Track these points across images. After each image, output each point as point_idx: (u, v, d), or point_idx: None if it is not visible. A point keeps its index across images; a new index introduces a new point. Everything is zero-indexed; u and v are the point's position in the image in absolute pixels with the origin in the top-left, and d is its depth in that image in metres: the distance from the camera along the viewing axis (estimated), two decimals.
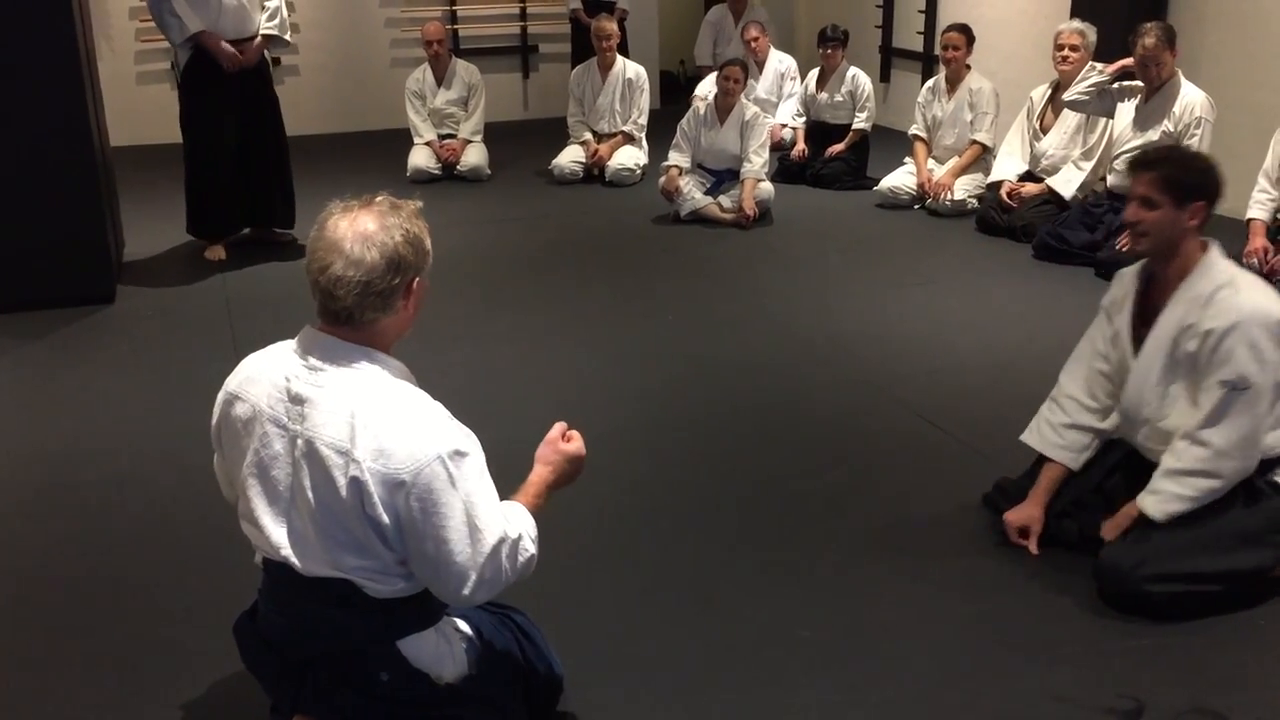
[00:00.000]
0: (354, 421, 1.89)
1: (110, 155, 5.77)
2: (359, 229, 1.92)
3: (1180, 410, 2.80)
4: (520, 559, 2.01)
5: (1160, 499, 2.73)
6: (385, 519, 1.89)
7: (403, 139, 7.77)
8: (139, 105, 8.65)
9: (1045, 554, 2.98)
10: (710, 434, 3.80)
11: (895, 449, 3.66)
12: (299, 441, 1.93)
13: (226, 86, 5.60)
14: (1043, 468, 3.06)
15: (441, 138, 7.65)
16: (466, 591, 1.94)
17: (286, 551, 1.98)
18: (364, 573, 1.96)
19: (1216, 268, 2.77)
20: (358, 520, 1.91)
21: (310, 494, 1.93)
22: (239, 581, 2.52)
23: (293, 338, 2.05)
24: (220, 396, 2.09)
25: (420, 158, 7.54)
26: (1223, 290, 2.72)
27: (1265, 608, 2.73)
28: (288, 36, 5.88)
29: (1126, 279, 2.98)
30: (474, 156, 7.57)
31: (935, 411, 3.90)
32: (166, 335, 4.80)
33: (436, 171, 7.53)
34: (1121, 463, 3.01)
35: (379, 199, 1.98)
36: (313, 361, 1.96)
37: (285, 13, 5.84)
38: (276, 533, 1.98)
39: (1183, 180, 2.75)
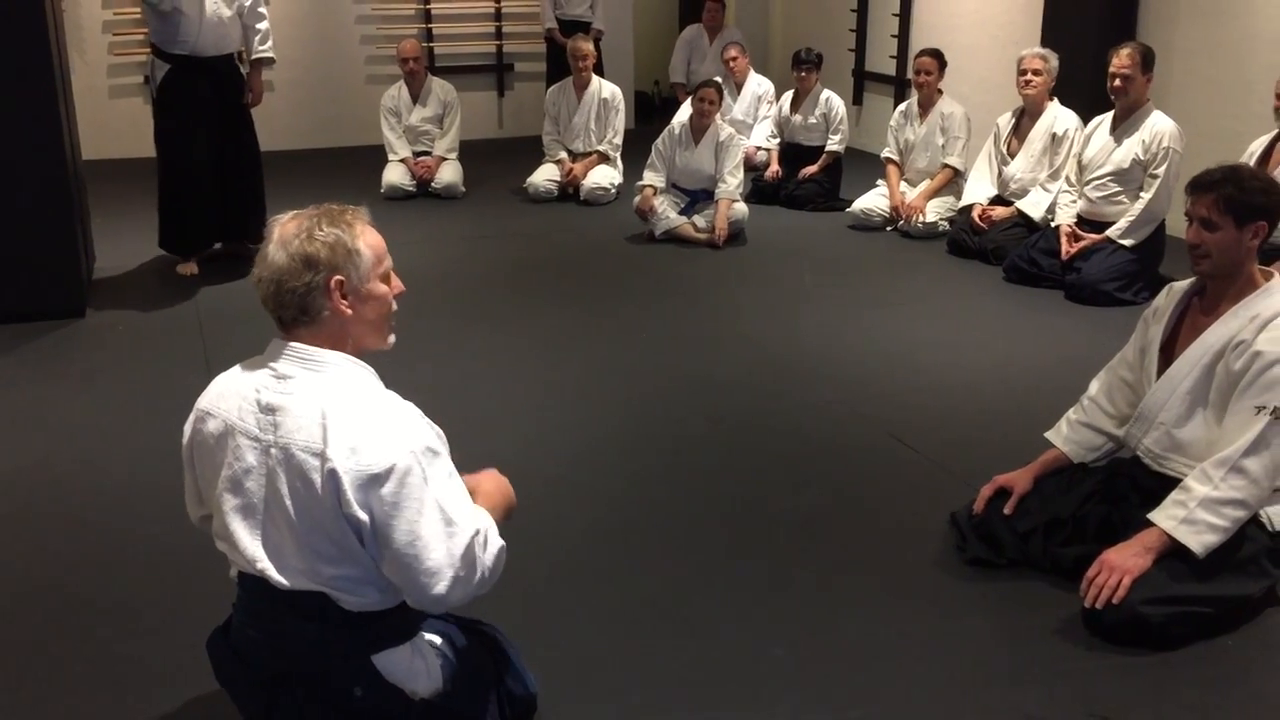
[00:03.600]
0: (325, 422, 1.90)
1: (82, 169, 5.74)
2: (281, 233, 1.98)
3: (1198, 423, 2.82)
4: (492, 551, 2.00)
5: (1197, 530, 2.67)
6: (362, 515, 1.89)
7: (378, 156, 7.76)
8: (111, 119, 8.60)
9: (1013, 574, 3.01)
10: (683, 452, 3.81)
11: (867, 468, 3.68)
12: (273, 451, 1.94)
13: (202, 102, 5.59)
14: (1048, 450, 3.14)
15: (416, 155, 7.66)
16: (442, 589, 1.93)
17: (263, 565, 1.97)
18: (341, 582, 1.96)
19: (1279, 295, 2.78)
20: (336, 523, 1.91)
21: (288, 501, 1.93)
22: (212, 597, 2.50)
23: (264, 352, 2.06)
24: (191, 416, 2.10)
25: (395, 174, 7.54)
26: None
27: (1236, 633, 2.75)
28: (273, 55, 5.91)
29: (1175, 292, 3.00)
30: (449, 174, 7.58)
31: (906, 431, 3.92)
32: (138, 350, 4.76)
33: (411, 188, 7.53)
34: (1098, 490, 3.04)
35: (315, 208, 2.02)
36: (280, 370, 1.99)
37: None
38: (251, 546, 1.98)
39: (1243, 200, 2.75)
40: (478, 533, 1.97)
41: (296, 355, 1.99)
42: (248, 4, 5.70)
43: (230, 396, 2.02)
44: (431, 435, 1.98)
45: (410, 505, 1.90)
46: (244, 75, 5.85)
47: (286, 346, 2.00)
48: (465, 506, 1.98)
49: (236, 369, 2.08)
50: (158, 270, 5.85)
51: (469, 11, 9.61)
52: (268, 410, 1.96)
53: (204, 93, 5.58)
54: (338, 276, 1.96)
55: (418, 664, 2.10)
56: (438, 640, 2.18)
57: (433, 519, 1.91)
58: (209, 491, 2.06)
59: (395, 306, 2.09)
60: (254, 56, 5.82)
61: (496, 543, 2.02)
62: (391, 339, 2.11)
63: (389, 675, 2.04)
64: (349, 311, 1.99)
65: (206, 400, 2.07)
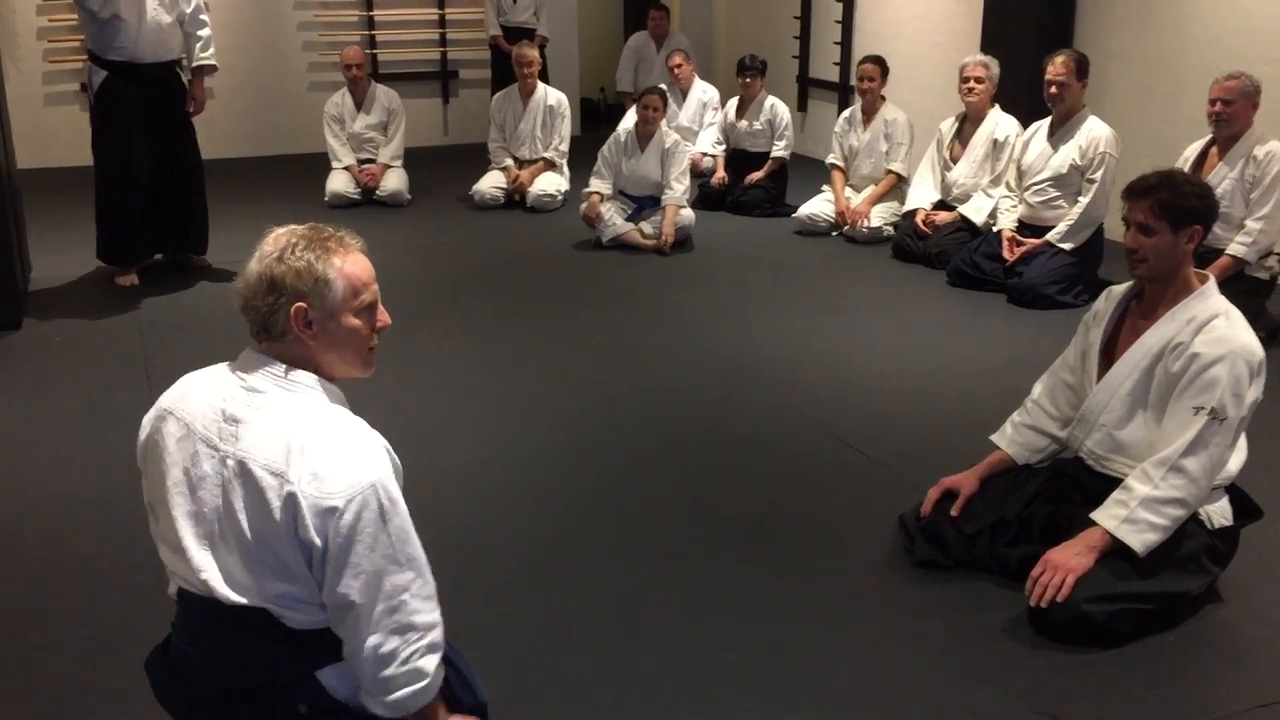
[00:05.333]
0: (290, 444, 1.87)
1: (17, 178, 5.62)
2: (261, 247, 1.96)
3: (1138, 424, 2.87)
4: (433, 651, 1.96)
5: (1138, 529, 2.72)
6: (317, 541, 1.86)
7: (321, 163, 7.70)
8: (47, 127, 8.44)
9: (961, 575, 3.04)
10: (633, 459, 3.81)
11: (816, 472, 3.71)
12: (230, 462, 1.90)
13: (141, 111, 5.50)
14: (993, 451, 3.18)
15: (361, 162, 7.60)
16: (374, 637, 1.89)
17: (208, 575, 1.93)
18: (287, 600, 1.93)
19: (1214, 297, 2.83)
20: (289, 543, 1.88)
21: (241, 516, 1.89)
22: (152, 617, 2.46)
23: (209, 364, 2.03)
24: (151, 413, 2.04)
25: (339, 183, 7.48)
26: (1219, 319, 2.77)
27: (1178, 629, 2.80)
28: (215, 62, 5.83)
29: (1114, 295, 3.04)
30: (394, 181, 7.53)
31: (854, 435, 3.96)
32: (75, 363, 4.67)
33: (356, 196, 7.48)
34: (1042, 491, 3.08)
35: (313, 226, 1.99)
36: (250, 382, 1.95)
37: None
38: (199, 555, 1.94)
39: (1178, 205, 2.79)
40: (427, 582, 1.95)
41: (269, 371, 1.95)
42: (189, 11, 5.62)
43: (194, 399, 1.98)
44: (392, 473, 1.94)
45: (361, 538, 1.86)
46: (185, 83, 5.76)
47: (259, 359, 1.96)
48: (419, 549, 1.94)
49: (206, 372, 2.03)
50: (96, 281, 5.75)
51: (412, 18, 9.56)
52: (231, 420, 1.92)
53: (143, 100, 5.50)
54: (299, 304, 1.91)
55: None
56: None
57: (384, 554, 1.88)
58: (157, 493, 2.01)
59: (375, 341, 2.04)
60: (195, 64, 5.75)
61: (436, 656, 1.97)
62: (369, 371, 2.05)
63: (334, 691, 2.01)
64: (311, 341, 1.94)
65: (169, 400, 2.02)
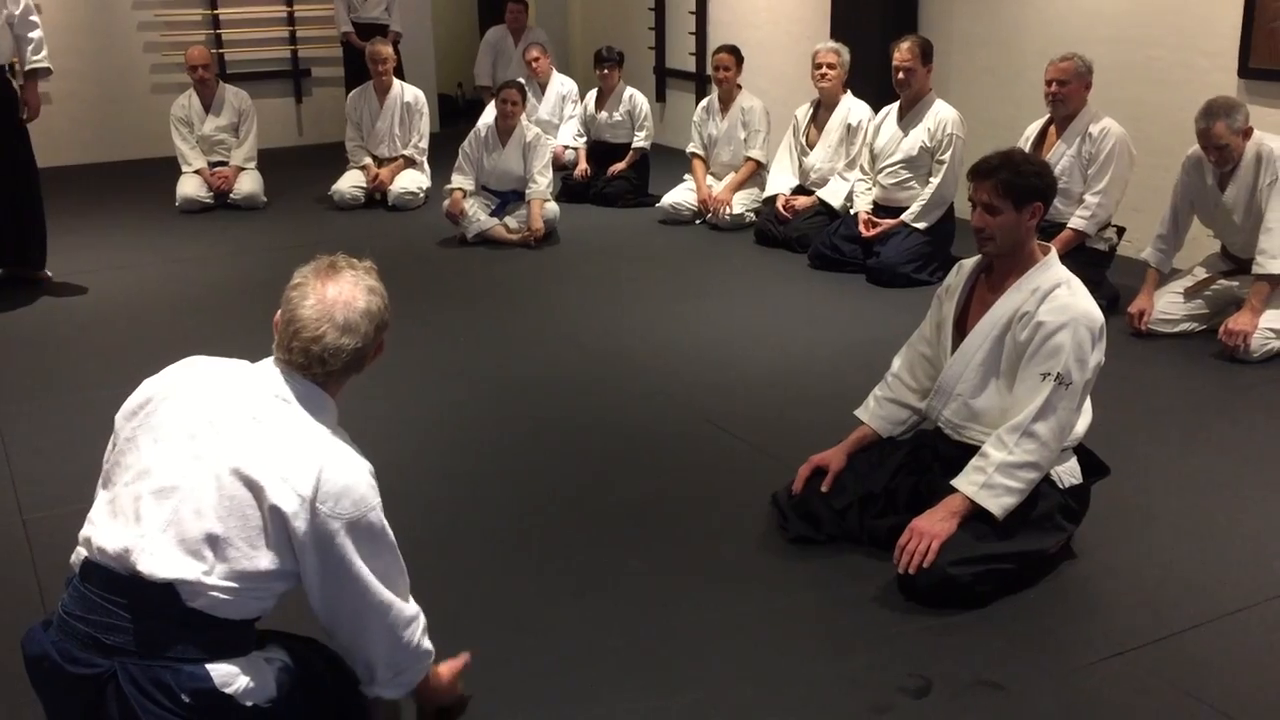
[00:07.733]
0: (307, 459, 1.98)
1: None
2: (347, 299, 2.09)
3: (991, 392, 2.98)
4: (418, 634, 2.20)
5: (996, 493, 2.83)
6: (311, 550, 1.98)
7: (171, 168, 7.45)
8: None
9: (834, 549, 3.12)
10: (508, 453, 3.80)
11: (690, 456, 3.76)
12: (236, 456, 1.98)
13: None
14: (859, 427, 3.27)
15: (213, 165, 7.38)
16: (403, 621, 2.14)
17: (141, 548, 1.95)
18: (208, 586, 1.96)
19: (1056, 268, 2.96)
20: (264, 543, 1.97)
21: (221, 505, 1.96)
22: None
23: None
24: (156, 382, 2.14)
25: (190, 187, 7.25)
26: (1060, 288, 2.89)
27: (1037, 586, 2.94)
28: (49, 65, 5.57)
29: (964, 269, 3.15)
30: (248, 184, 7.33)
31: (725, 417, 4.02)
32: None
33: (208, 200, 7.26)
34: (906, 462, 3.18)
35: (341, 263, 2.15)
36: (282, 393, 2.08)
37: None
38: (145, 528, 1.97)
39: (1020, 184, 2.90)
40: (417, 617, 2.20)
41: (299, 386, 2.09)
42: (17, 13, 5.37)
43: (214, 386, 2.09)
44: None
45: (364, 552, 2.04)
46: (17, 89, 5.50)
47: (293, 375, 2.09)
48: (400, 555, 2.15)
49: (227, 362, 2.18)
50: None
51: (260, 16, 9.30)
52: (252, 419, 2.02)
53: None
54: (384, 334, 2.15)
55: (252, 676, 2.06)
56: (277, 652, 2.16)
57: (386, 565, 2.09)
58: (132, 457, 2.05)
59: None
60: (28, 67, 5.50)
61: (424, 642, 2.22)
62: None
63: (221, 684, 2.00)
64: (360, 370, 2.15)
65: (180, 376, 2.13)
